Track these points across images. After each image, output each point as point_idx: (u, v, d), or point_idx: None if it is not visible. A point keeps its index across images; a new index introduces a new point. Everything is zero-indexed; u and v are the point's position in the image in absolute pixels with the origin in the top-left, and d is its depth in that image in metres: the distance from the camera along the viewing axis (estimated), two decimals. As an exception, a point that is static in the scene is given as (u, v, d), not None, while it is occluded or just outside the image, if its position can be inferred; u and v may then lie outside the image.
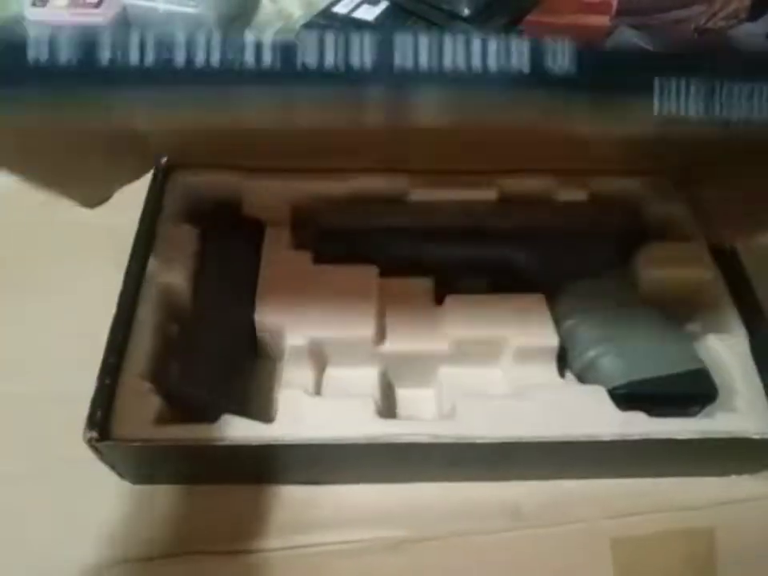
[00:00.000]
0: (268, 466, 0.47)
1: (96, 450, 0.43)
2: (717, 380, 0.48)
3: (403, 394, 0.52)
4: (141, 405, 0.44)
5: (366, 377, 0.50)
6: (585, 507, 0.49)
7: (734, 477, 0.50)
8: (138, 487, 0.48)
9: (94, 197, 0.52)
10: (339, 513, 0.48)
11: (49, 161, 0.44)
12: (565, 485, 0.50)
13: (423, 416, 0.51)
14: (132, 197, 0.56)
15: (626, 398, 0.46)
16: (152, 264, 0.52)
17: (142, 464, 0.46)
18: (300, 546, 0.47)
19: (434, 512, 0.48)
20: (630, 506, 0.49)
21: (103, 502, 0.48)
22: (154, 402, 0.45)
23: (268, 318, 0.50)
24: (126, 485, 0.48)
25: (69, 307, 0.58)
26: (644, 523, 0.49)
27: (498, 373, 0.51)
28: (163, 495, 0.48)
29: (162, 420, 0.45)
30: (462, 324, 0.50)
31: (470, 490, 0.49)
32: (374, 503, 0.48)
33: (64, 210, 0.66)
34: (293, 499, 0.48)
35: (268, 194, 0.58)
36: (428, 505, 0.49)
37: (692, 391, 0.48)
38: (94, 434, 0.42)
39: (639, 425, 0.44)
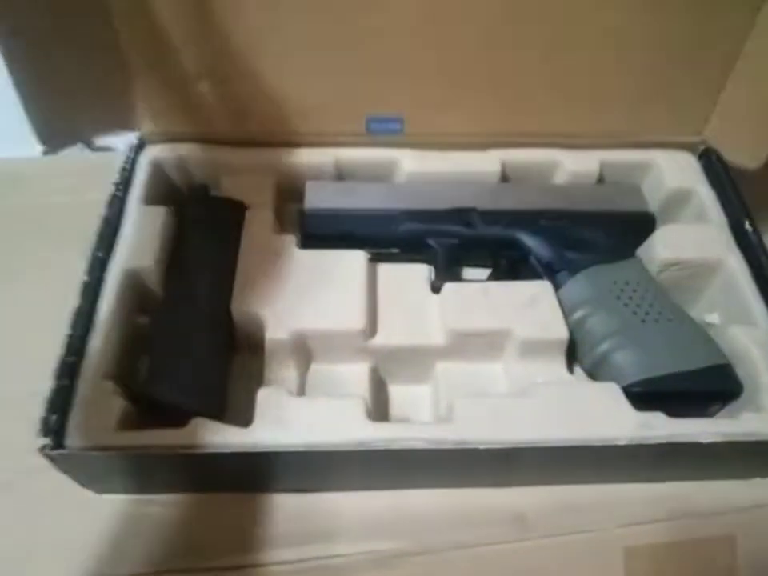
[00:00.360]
0: (247, 473, 0.42)
1: (50, 458, 0.38)
2: (740, 375, 0.43)
3: (396, 392, 0.48)
4: (102, 408, 0.40)
5: (356, 373, 0.46)
6: (596, 514, 0.45)
7: (757, 480, 0.46)
8: (103, 497, 0.44)
9: (57, 135, 0.48)
10: (329, 524, 0.44)
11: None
12: (574, 490, 0.45)
13: (418, 416, 0.46)
14: (99, 175, 0.51)
15: (642, 396, 0.42)
16: (119, 249, 0.47)
17: (104, 473, 0.41)
18: (286, 561, 0.42)
19: (433, 522, 0.44)
20: (644, 512, 0.45)
21: (67, 514, 0.43)
22: (116, 405, 0.40)
23: (246, 309, 0.45)
24: (91, 495, 0.43)
25: (27, 297, 0.53)
26: (660, 531, 0.44)
27: (501, 368, 0.47)
28: (129, 506, 0.44)
29: (126, 424, 0.40)
30: (461, 315, 0.45)
31: (471, 497, 0.45)
32: (367, 512, 0.44)
33: (23, 192, 0.62)
34: (278, 509, 0.44)
35: (249, 171, 0.53)
36: (426, 514, 0.44)
37: (714, 388, 0.43)
38: (48, 442, 0.38)
39: (658, 427, 0.40)
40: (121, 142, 0.54)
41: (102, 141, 0.52)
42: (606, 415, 0.40)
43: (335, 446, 0.39)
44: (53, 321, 0.42)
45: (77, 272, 0.45)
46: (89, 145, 0.75)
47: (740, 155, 0.53)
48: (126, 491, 0.43)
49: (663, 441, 0.39)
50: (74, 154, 0.71)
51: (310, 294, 0.45)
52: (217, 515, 0.43)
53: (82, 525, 0.43)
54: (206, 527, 0.43)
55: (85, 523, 0.43)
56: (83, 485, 0.42)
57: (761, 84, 0.50)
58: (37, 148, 0.73)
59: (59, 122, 0.48)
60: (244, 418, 0.41)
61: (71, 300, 0.44)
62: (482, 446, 0.38)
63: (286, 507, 0.44)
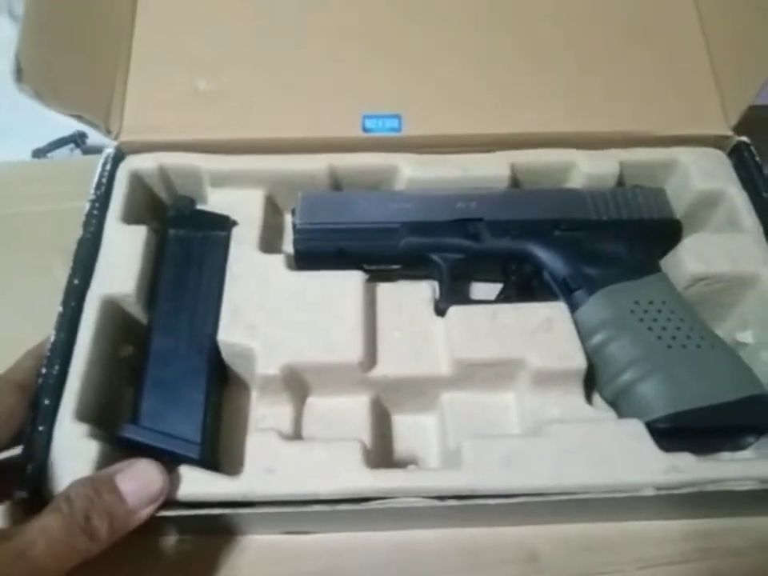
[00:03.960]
0: (239, 522, 0.39)
1: (28, 511, 0.35)
2: (776, 404, 0.39)
3: (401, 422, 0.44)
4: (78, 454, 0.37)
5: (356, 406, 0.42)
6: (615, 554, 0.41)
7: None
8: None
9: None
10: (328, 565, 0.41)
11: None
12: (591, 527, 0.42)
13: (426, 448, 0.43)
14: (82, 181, 0.48)
15: (669, 432, 0.38)
16: (98, 274, 0.43)
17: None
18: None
19: (436, 560, 0.41)
20: (668, 551, 0.41)
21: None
22: (93, 450, 0.37)
23: (234, 341, 0.41)
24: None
25: (8, 311, 0.51)
26: (686, 572, 0.41)
27: (512, 398, 0.43)
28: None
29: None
30: (468, 343, 0.41)
31: (480, 535, 0.42)
32: (369, 553, 0.41)
33: (3, 198, 0.59)
34: (272, 551, 0.41)
35: (237, 181, 0.49)
36: (429, 552, 0.41)
37: (751, 422, 0.39)
38: (24, 495, 0.35)
39: (687, 471, 0.36)
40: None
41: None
42: (629, 458, 0.37)
43: (330, 497, 0.35)
44: (36, 335, 0.41)
45: (60, 285, 0.43)
46: (78, 145, 0.71)
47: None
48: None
49: (693, 490, 0.35)
50: (59, 158, 0.69)
51: (302, 322, 0.42)
52: (205, 557, 0.41)
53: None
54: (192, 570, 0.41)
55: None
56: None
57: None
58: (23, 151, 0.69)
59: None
60: (233, 461, 0.38)
61: (41, 323, 0.41)
62: (492, 499, 0.35)
63: (281, 548, 0.41)
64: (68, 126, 0.68)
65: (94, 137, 0.69)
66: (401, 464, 0.42)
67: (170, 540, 0.41)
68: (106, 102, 0.49)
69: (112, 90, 0.50)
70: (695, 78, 0.50)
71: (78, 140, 0.67)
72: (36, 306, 0.42)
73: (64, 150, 0.67)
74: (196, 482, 0.36)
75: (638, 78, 0.50)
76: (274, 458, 0.37)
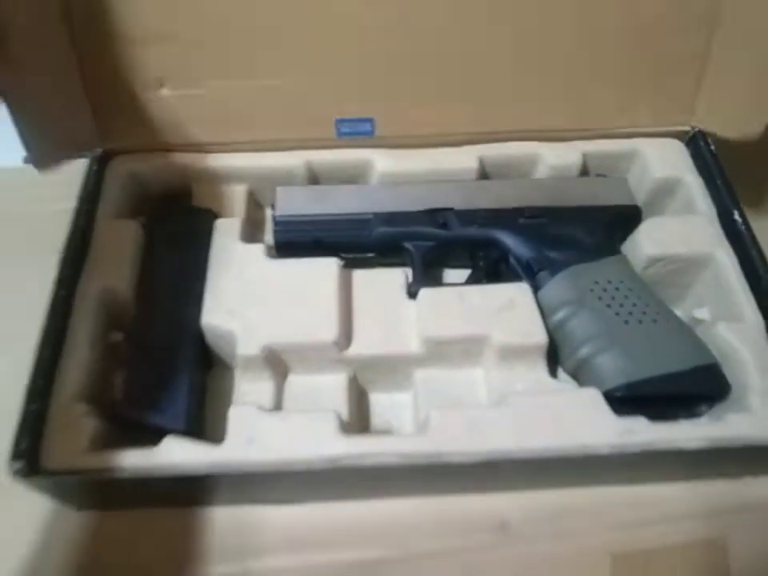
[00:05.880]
0: (219, 489, 0.42)
1: (24, 482, 0.38)
2: (728, 374, 0.42)
3: (378, 400, 0.47)
4: (73, 430, 0.39)
5: (334, 383, 0.45)
6: (581, 519, 0.44)
7: (748, 479, 0.44)
8: (83, 513, 0.43)
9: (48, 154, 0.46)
10: (312, 533, 0.43)
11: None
12: (558, 495, 0.44)
13: (401, 424, 0.45)
14: (71, 184, 0.50)
15: (625, 400, 0.41)
16: (89, 265, 0.46)
17: (78, 494, 0.41)
18: (284, 568, 0.42)
19: (412, 529, 0.43)
20: (631, 516, 0.44)
21: (45, 530, 0.43)
22: (88, 426, 0.40)
23: (216, 323, 0.44)
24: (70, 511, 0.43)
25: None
26: (648, 535, 0.43)
27: (481, 374, 0.45)
28: (110, 521, 0.43)
29: (99, 442, 0.40)
30: (436, 322, 0.44)
31: (452, 504, 0.44)
32: (348, 521, 0.43)
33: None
34: (252, 520, 0.43)
35: (220, 178, 0.52)
36: (404, 521, 0.43)
37: (701, 390, 0.42)
38: (20, 466, 0.37)
39: (640, 433, 0.38)
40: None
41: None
42: (587, 422, 0.39)
43: (305, 463, 0.38)
44: (27, 334, 0.42)
45: (48, 285, 0.44)
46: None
47: (736, 128, 0.51)
48: (104, 507, 0.43)
49: (645, 448, 0.38)
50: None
51: (281, 306, 0.44)
52: (187, 527, 0.43)
53: (58, 539, 0.42)
54: (176, 540, 0.43)
55: (62, 537, 0.43)
56: (60, 502, 0.42)
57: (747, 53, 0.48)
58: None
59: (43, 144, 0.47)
60: (220, 435, 0.40)
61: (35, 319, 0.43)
62: (456, 459, 0.38)
63: (257, 518, 0.43)
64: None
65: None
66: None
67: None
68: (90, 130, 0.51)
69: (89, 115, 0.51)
70: (653, 79, 0.51)
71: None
72: (25, 307, 0.43)
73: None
74: (182, 451, 0.38)
75: (599, 80, 0.51)
76: (253, 428, 0.39)
